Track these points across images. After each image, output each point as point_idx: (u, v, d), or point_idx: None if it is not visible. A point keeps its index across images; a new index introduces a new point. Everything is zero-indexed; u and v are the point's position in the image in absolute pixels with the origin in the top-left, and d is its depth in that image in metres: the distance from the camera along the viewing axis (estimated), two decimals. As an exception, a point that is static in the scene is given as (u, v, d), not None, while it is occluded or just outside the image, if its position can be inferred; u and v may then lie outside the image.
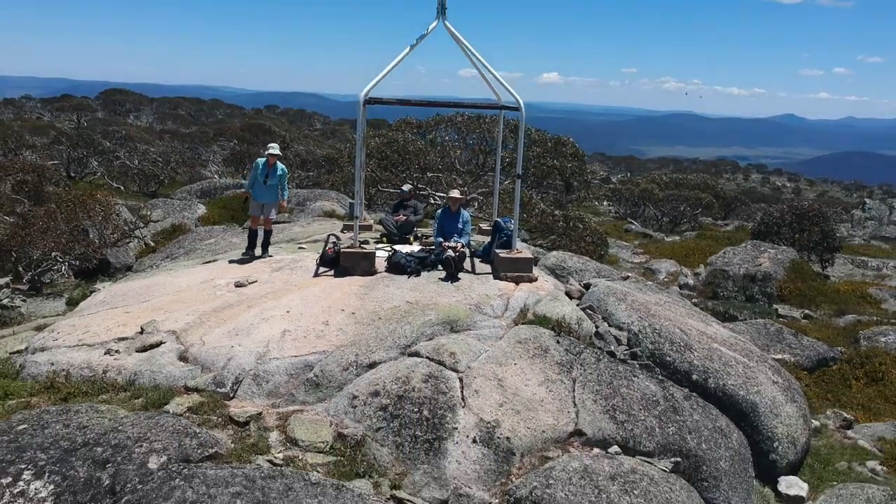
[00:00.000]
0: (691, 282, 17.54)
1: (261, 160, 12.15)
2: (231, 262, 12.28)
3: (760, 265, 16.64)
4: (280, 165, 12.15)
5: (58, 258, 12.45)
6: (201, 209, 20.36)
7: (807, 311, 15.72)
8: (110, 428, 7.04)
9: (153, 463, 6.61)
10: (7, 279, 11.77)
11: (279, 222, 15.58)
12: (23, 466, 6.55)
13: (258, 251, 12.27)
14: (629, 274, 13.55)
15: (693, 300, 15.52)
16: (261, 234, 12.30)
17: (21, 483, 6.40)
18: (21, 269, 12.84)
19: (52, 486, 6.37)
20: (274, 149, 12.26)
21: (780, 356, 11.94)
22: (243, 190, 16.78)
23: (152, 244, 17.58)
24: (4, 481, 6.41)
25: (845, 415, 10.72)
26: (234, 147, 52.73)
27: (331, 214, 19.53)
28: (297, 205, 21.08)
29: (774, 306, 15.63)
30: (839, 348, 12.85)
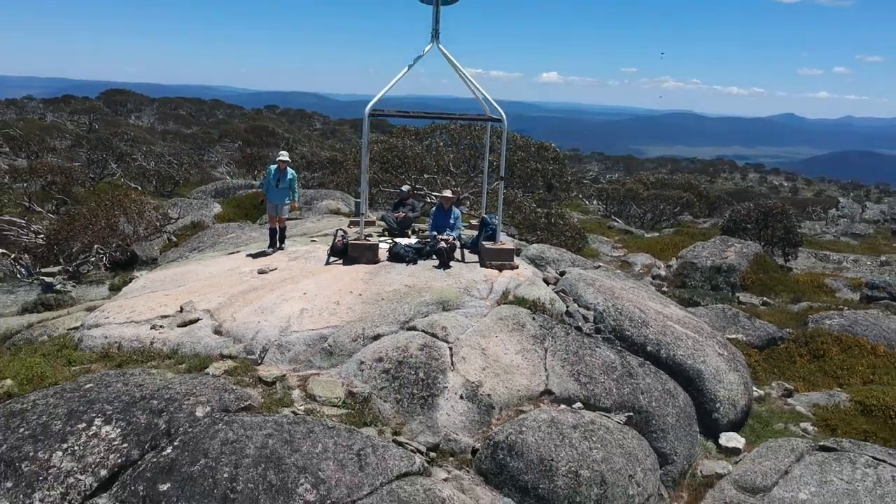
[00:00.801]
0: (663, 273, 18.76)
1: (273, 166, 13.28)
2: (251, 254, 13.53)
3: (726, 258, 17.92)
4: (290, 170, 13.34)
5: (99, 250, 13.73)
6: (217, 208, 21.60)
7: (765, 299, 16.95)
8: (161, 386, 8.31)
9: (200, 412, 7.88)
10: (59, 268, 13.04)
11: (291, 219, 16.84)
12: (94, 415, 7.82)
13: (278, 246, 13.56)
14: (600, 264, 14.80)
15: (663, 289, 16.77)
16: (279, 234, 13.56)
17: (94, 427, 7.66)
18: (62, 259, 14.09)
19: (119, 430, 7.63)
20: (284, 155, 13.49)
21: (734, 336, 13.18)
22: (258, 190, 17.99)
23: (174, 239, 18.84)
24: (80, 426, 7.68)
25: (787, 385, 11.97)
26: (240, 148, 53.99)
27: (336, 212, 20.76)
28: (305, 203, 22.31)
29: (737, 294, 16.88)
30: (788, 329, 14.08)
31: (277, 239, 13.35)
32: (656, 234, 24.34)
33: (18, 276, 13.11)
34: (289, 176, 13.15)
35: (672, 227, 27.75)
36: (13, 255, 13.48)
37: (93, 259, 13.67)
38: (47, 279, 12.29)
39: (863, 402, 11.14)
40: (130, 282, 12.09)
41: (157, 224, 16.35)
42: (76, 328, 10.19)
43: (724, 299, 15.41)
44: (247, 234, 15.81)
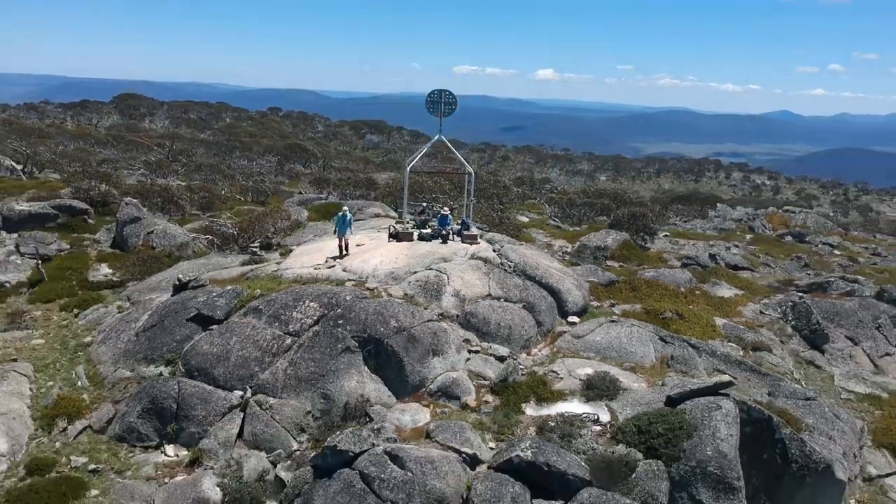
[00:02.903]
0: (568, 250, 27.05)
1: (340, 215, 19.29)
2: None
3: (606, 241, 26.37)
4: (349, 214, 20.19)
5: (268, 235, 22.20)
6: (305, 213, 29.88)
7: (622, 264, 25.38)
8: (328, 289, 16.95)
9: (347, 297, 16.50)
10: (258, 243, 21.54)
11: (358, 220, 25.30)
12: (305, 299, 16.46)
13: (344, 253, 19.39)
14: (523, 242, 23.17)
15: (566, 258, 25.24)
16: (344, 246, 20.61)
17: (306, 303, 16.30)
18: (242, 242, 22.57)
19: (316, 304, 16.27)
20: (346, 209, 20.61)
21: (592, 279, 21.72)
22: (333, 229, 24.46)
23: (288, 233, 27.24)
24: (300, 303, 16.32)
25: (612, 301, 20.57)
26: (279, 162, 60.69)
27: (379, 215, 29.19)
28: (358, 210, 30.78)
29: (606, 262, 25.28)
30: (622, 277, 22.57)
31: (344, 249, 19.46)
32: (576, 229, 32.63)
33: (229, 248, 21.66)
34: (348, 218, 19.97)
35: (588, 224, 36.20)
36: (215, 239, 22.03)
37: (257, 242, 22.07)
38: (252, 249, 20.85)
39: (646, 307, 19.79)
40: (290, 252, 20.70)
41: (293, 222, 24.78)
42: (276, 270, 18.83)
43: (596, 263, 23.82)
44: (341, 227, 24.32)
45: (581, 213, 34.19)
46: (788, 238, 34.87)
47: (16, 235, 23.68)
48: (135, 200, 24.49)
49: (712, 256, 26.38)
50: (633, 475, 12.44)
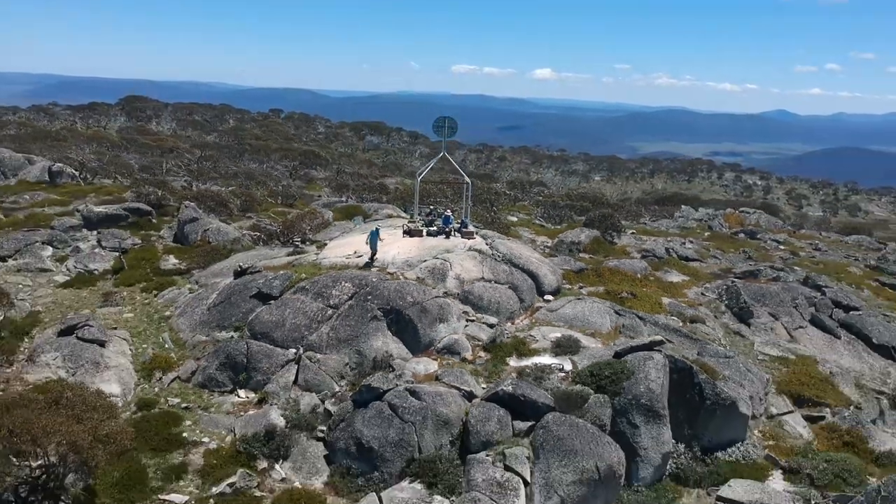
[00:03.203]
0: (549, 244, 30.99)
1: (373, 231, 22.25)
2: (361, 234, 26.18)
3: (580, 237, 30.42)
4: (380, 230, 23.73)
5: (305, 232, 26.21)
6: (330, 213, 33.73)
7: (592, 256, 29.38)
8: (358, 274, 20.99)
9: (374, 279, 20.54)
10: (298, 239, 25.57)
11: (375, 220, 29.33)
12: (341, 280, 20.47)
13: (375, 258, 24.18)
14: (508, 237, 27.25)
15: (546, 251, 29.29)
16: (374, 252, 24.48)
17: (342, 283, 20.34)
18: (283, 238, 26.65)
19: (350, 284, 20.33)
20: (378, 227, 24.35)
21: (566, 267, 25.78)
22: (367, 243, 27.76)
23: (318, 230, 31.22)
24: (338, 283, 20.38)
25: (582, 284, 24.63)
26: (295, 168, 64.20)
27: (392, 216, 33.17)
28: (374, 211, 34.76)
29: (579, 254, 29.29)
30: (590, 266, 26.62)
31: (374, 258, 23.86)
32: (557, 227, 36.65)
33: (273, 243, 25.72)
34: (379, 232, 23.37)
35: (567, 223, 40.20)
36: (262, 235, 26.13)
37: (298, 238, 26.10)
38: (296, 243, 24.94)
39: (607, 289, 23.89)
40: (324, 245, 24.77)
41: (323, 221, 28.84)
42: (315, 259, 22.87)
43: (570, 255, 27.87)
44: (360, 227, 28.37)
45: (563, 214, 38.16)
46: (741, 235, 38.94)
47: (96, 233, 27.72)
48: (192, 203, 28.51)
49: (667, 250, 30.48)
50: (586, 404, 16.50)
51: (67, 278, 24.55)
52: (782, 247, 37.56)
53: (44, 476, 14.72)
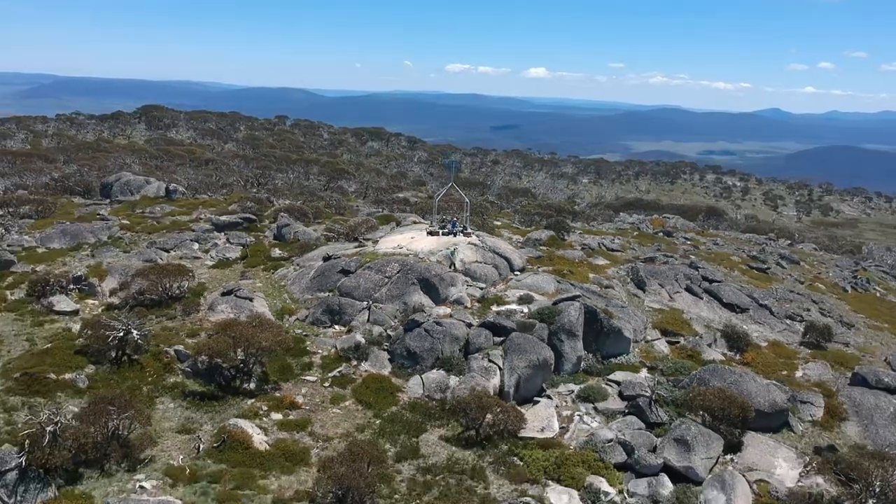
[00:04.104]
0: (521, 240, 40.83)
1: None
2: (405, 234, 35.98)
3: (541, 236, 40.13)
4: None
5: (362, 232, 35.93)
6: (374, 220, 43.23)
7: (548, 248, 39.08)
8: (402, 258, 30.76)
9: (411, 260, 30.31)
10: (359, 237, 35.40)
11: (404, 225, 39.16)
12: (391, 262, 30.07)
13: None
14: (493, 235, 37.01)
15: (519, 245, 39.05)
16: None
17: (392, 264, 30.08)
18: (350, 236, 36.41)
19: (396, 265, 30.14)
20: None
21: (530, 255, 35.52)
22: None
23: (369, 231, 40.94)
24: (389, 264, 30.20)
25: (539, 266, 34.38)
26: (327, 182, 72.62)
27: (417, 223, 42.84)
28: (403, 219, 44.40)
29: (540, 247, 39.05)
30: (545, 254, 36.37)
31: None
32: (528, 228, 46.52)
33: (342, 240, 35.53)
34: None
35: (535, 226, 50.02)
36: (334, 234, 36.04)
37: (359, 237, 35.85)
38: (360, 239, 34.82)
39: (555, 269, 33.76)
40: (377, 241, 34.56)
41: (369, 226, 38.61)
42: (373, 250, 32.57)
43: (533, 247, 37.63)
44: (395, 229, 38.02)
45: (532, 219, 47.97)
46: (661, 234, 48.78)
47: (223, 234, 37.48)
48: (285, 214, 38.32)
49: (599, 244, 40.29)
50: (534, 328, 26.29)
51: (212, 263, 34.28)
52: (689, 242, 47.38)
53: (241, 365, 24.52)
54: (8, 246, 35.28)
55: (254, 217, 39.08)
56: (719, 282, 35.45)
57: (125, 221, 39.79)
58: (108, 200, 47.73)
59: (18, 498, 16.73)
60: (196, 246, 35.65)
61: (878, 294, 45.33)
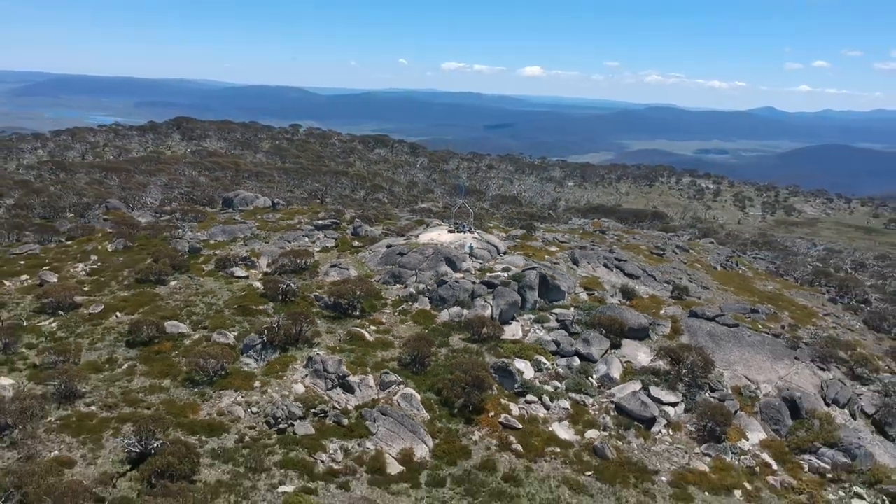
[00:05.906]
0: (504, 236, 52.02)
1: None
2: (433, 231, 47.54)
3: (517, 233, 51.33)
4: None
5: (410, 230, 47.34)
6: (413, 222, 54.70)
7: (521, 241, 50.40)
8: (435, 246, 42.44)
9: (440, 248, 42.00)
10: (406, 234, 46.76)
11: (432, 227, 50.73)
12: (428, 248, 41.77)
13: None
14: (488, 232, 48.30)
15: (503, 238, 50.37)
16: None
17: (428, 250, 41.39)
18: (400, 232, 47.78)
19: (431, 251, 41.40)
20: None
21: (510, 245, 46.84)
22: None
23: (411, 230, 52.36)
24: (427, 249, 41.88)
25: (516, 252, 45.93)
26: (365, 194, 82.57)
27: (440, 224, 54.26)
28: (430, 221, 55.79)
29: (517, 240, 50.22)
30: (519, 244, 47.70)
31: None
32: (510, 228, 57.77)
33: (395, 235, 47.08)
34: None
35: (516, 226, 61.17)
36: (389, 231, 47.58)
37: (407, 233, 47.24)
38: (407, 235, 46.41)
39: (525, 253, 45.37)
40: (418, 235, 46.09)
41: (411, 226, 50.00)
42: (416, 241, 44.18)
43: (512, 240, 48.93)
44: (427, 229, 49.43)
45: (514, 222, 59.55)
46: (598, 232, 60.14)
47: (321, 232, 49.21)
48: (359, 219, 50.02)
49: (553, 238, 51.83)
50: (509, 285, 37.86)
51: (318, 249, 45.94)
52: (615, 238, 58.75)
53: (351, 301, 36.15)
54: (191, 239, 46.97)
55: (337, 221, 50.75)
56: (625, 261, 46.95)
57: (257, 224, 51.52)
58: (230, 210, 58.05)
59: (260, 358, 28.54)
60: (306, 239, 47.32)
61: (740, 272, 56.70)
